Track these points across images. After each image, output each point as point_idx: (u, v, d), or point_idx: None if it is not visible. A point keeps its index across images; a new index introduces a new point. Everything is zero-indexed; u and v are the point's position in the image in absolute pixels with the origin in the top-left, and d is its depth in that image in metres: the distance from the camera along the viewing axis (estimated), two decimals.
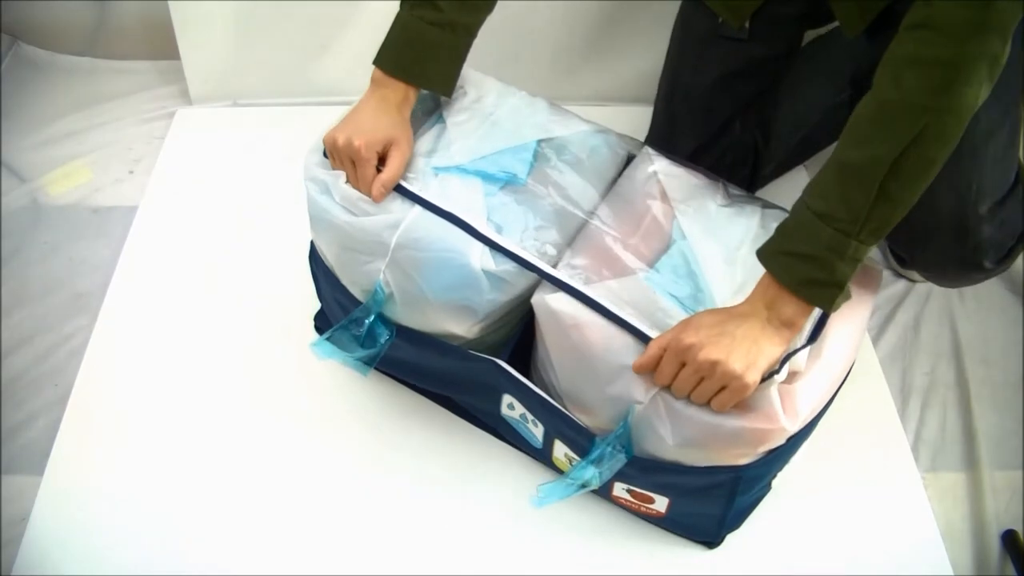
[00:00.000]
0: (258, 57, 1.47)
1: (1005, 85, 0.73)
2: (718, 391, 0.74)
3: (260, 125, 1.47)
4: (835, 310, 0.76)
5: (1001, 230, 0.94)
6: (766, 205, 0.91)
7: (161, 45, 1.50)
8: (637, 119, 1.23)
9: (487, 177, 0.88)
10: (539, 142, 0.92)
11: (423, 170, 0.89)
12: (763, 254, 0.78)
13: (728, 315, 0.76)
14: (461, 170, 0.88)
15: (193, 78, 1.49)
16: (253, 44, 1.45)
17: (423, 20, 0.86)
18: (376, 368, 1.06)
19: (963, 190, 0.90)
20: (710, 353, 0.73)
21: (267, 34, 1.44)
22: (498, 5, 0.91)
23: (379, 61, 0.89)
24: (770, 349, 0.74)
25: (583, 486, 0.81)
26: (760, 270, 0.77)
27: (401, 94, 0.88)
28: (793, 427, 0.78)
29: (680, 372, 0.75)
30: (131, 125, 1.48)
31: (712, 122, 1.12)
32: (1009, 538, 1.00)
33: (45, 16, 1.57)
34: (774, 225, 0.80)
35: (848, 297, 0.76)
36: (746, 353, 0.73)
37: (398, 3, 0.89)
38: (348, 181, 0.87)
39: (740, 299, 0.78)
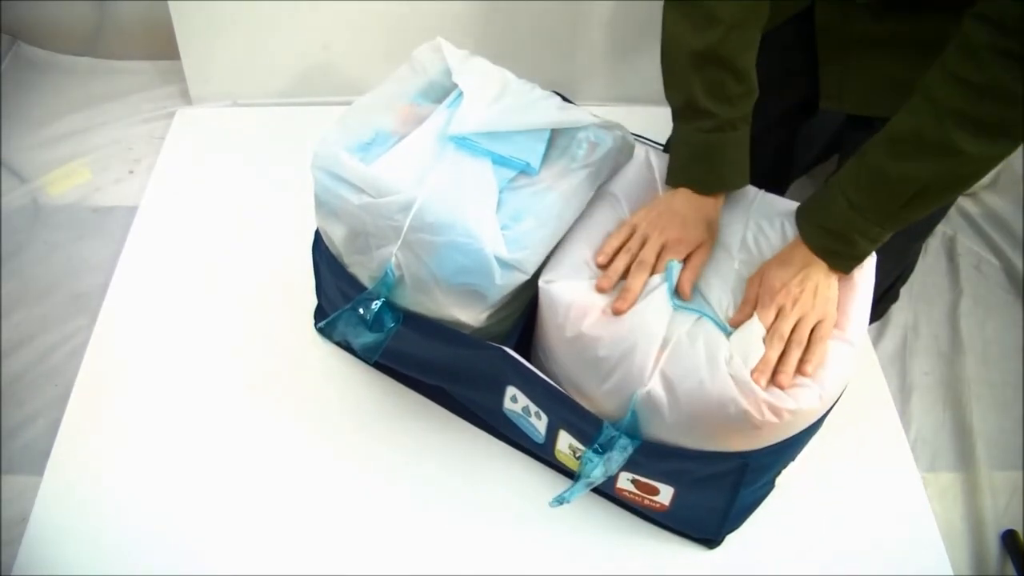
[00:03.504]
0: (258, 57, 1.47)
1: None
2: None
3: (260, 125, 1.47)
4: (848, 272, 0.87)
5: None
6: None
7: (161, 45, 1.50)
8: (652, 120, 1.23)
9: (501, 161, 0.89)
10: (551, 132, 0.93)
11: (436, 140, 0.89)
12: (800, 219, 0.89)
13: (799, 267, 0.85)
14: (474, 148, 0.89)
15: (193, 78, 1.49)
16: (253, 44, 1.45)
17: (701, 131, 0.88)
18: (377, 365, 1.07)
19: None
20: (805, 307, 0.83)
21: (267, 34, 1.44)
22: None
23: (673, 181, 0.91)
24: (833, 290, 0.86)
25: (594, 480, 0.81)
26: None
27: (709, 201, 0.90)
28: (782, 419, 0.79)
29: (780, 318, 0.83)
30: (131, 125, 1.48)
31: None
32: (1009, 538, 1.00)
33: (45, 16, 1.57)
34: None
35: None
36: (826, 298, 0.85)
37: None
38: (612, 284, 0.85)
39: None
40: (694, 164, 0.90)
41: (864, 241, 0.83)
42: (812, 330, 0.83)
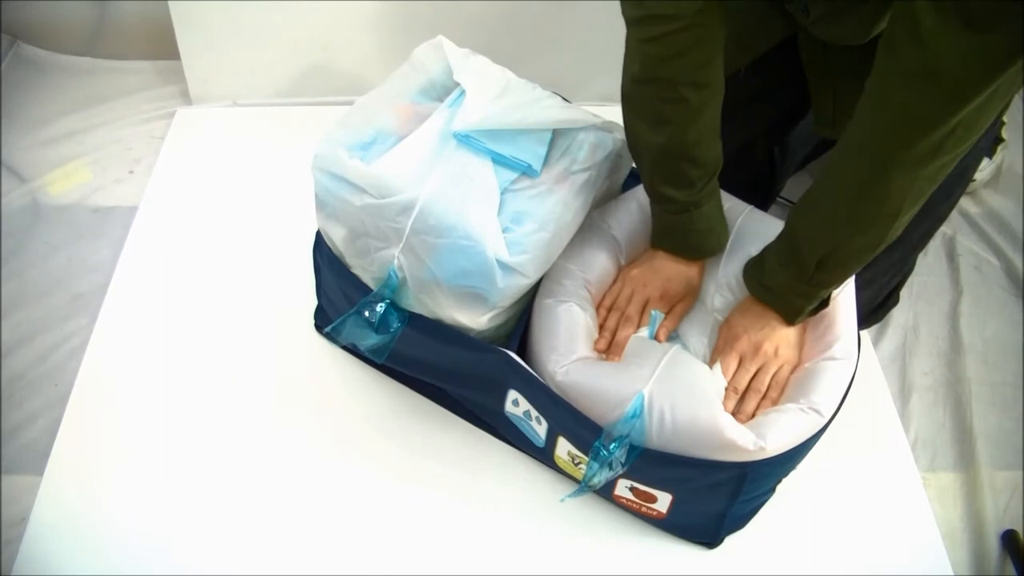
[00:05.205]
0: (258, 57, 1.47)
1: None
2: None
3: (260, 125, 1.47)
4: (796, 323, 0.90)
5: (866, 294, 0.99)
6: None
7: (161, 45, 1.50)
8: None
9: (503, 162, 0.89)
10: (552, 133, 0.93)
11: (437, 139, 0.89)
12: (744, 273, 0.92)
13: (758, 314, 0.89)
14: (476, 147, 0.88)
15: (193, 78, 1.49)
16: (253, 44, 1.45)
17: (667, 212, 0.91)
18: (378, 366, 1.07)
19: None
20: (769, 346, 0.88)
21: (267, 34, 1.44)
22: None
23: (653, 245, 0.97)
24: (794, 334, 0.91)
25: (596, 485, 0.81)
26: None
27: (686, 263, 0.95)
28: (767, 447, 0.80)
29: (740, 370, 0.88)
30: (131, 125, 1.48)
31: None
32: (1009, 538, 1.00)
33: (45, 16, 1.57)
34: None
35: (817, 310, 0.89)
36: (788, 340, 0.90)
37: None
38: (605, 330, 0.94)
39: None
40: (667, 237, 0.95)
41: (797, 298, 0.86)
42: (775, 373, 0.88)
